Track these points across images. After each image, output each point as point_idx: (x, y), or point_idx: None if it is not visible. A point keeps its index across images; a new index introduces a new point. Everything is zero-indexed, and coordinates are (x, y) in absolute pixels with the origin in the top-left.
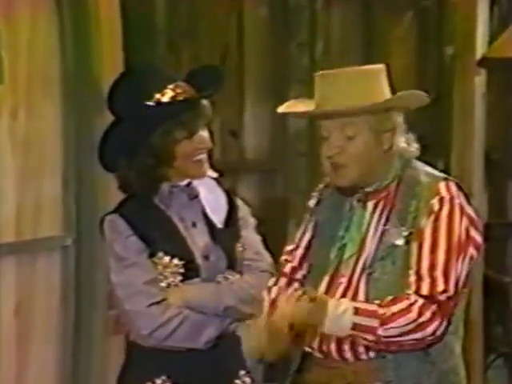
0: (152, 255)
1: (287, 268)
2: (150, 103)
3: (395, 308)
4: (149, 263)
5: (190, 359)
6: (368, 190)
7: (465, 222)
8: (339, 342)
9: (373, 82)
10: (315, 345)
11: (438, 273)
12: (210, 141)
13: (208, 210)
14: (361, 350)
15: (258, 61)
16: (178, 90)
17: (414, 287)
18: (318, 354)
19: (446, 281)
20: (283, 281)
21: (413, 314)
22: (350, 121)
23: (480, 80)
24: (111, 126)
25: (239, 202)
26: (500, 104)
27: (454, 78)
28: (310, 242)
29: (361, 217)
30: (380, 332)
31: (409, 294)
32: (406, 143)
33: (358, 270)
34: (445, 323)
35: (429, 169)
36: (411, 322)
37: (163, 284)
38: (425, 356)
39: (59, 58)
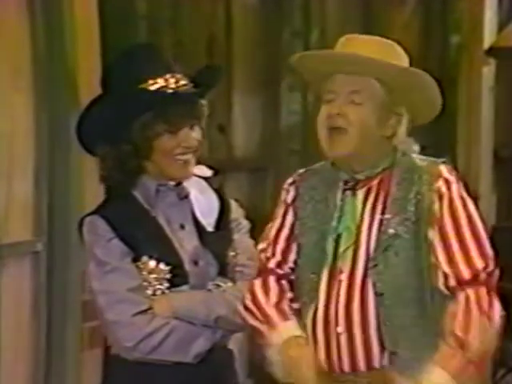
0: (136, 259)
1: (272, 263)
2: (136, 89)
3: (470, 335)
4: (133, 268)
5: (177, 374)
6: (358, 177)
7: (472, 200)
8: (353, 353)
9: (399, 57)
10: (322, 359)
11: (472, 252)
12: (197, 141)
13: (197, 212)
14: (375, 358)
15: (247, 50)
16: (171, 81)
17: (453, 277)
18: (323, 368)
19: (483, 256)
20: (272, 279)
21: (483, 319)
22: (362, 87)
23: (488, 71)
24: (95, 101)
25: (232, 204)
26: (510, 97)
27: (459, 69)
28: (289, 237)
29: (353, 206)
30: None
31: (454, 293)
32: (406, 144)
33: (360, 263)
34: (495, 296)
35: (424, 157)
36: (488, 327)
37: (148, 291)
38: (435, 352)
39: (30, 48)
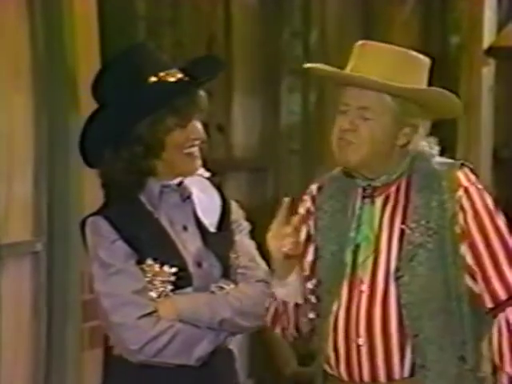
0: (140, 262)
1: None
2: (140, 86)
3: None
4: (137, 270)
5: (179, 376)
6: (376, 184)
7: (494, 205)
8: (373, 363)
9: (414, 68)
10: (342, 368)
11: (506, 270)
12: (203, 132)
13: (199, 213)
14: (395, 369)
15: (247, 50)
16: (171, 75)
17: (489, 299)
18: (343, 378)
19: None
20: None
21: None
22: (372, 103)
23: (488, 71)
24: (94, 114)
25: (233, 205)
26: (509, 97)
27: (459, 69)
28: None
29: (371, 214)
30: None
31: (493, 315)
32: (427, 146)
33: (381, 274)
34: None
35: (440, 158)
36: None
37: (153, 294)
38: (463, 364)
39: (29, 49)
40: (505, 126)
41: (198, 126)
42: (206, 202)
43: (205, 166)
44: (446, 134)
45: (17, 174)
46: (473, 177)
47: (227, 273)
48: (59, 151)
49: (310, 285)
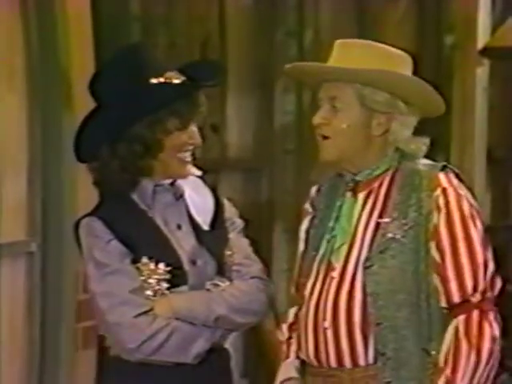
0: (135, 261)
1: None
2: (142, 86)
3: (458, 375)
4: (133, 269)
5: (176, 375)
6: (358, 178)
7: (473, 211)
8: (338, 348)
9: (391, 64)
10: (311, 352)
11: (465, 273)
12: (199, 138)
13: (193, 211)
14: (360, 355)
15: (241, 50)
16: (173, 77)
17: (444, 299)
18: (313, 363)
19: (475, 276)
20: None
21: (472, 355)
22: (340, 92)
23: (482, 71)
24: (92, 112)
25: (226, 203)
26: (503, 97)
27: (453, 69)
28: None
29: (351, 208)
30: None
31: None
32: (412, 141)
33: (352, 262)
34: (493, 320)
35: (427, 161)
36: (477, 362)
37: (149, 292)
38: (426, 356)
39: (23, 49)
40: (499, 126)
41: (196, 130)
42: (198, 200)
43: (196, 165)
44: (439, 134)
45: (11, 174)
46: (455, 181)
47: (222, 270)
48: (53, 151)
49: (290, 317)
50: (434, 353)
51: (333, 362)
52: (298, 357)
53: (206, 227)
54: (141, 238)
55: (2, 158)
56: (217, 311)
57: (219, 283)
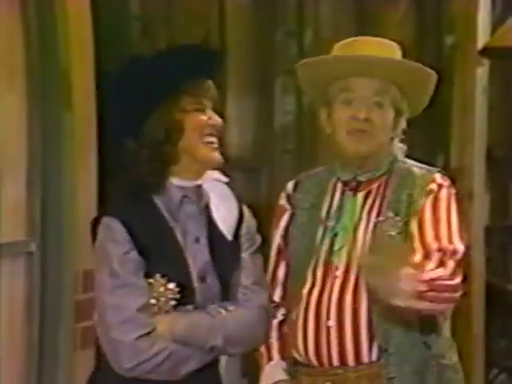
0: (148, 274)
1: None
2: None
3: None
4: (144, 284)
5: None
6: (361, 179)
7: (460, 208)
8: (342, 347)
9: (399, 53)
10: (311, 352)
11: (444, 239)
12: (221, 120)
13: (217, 220)
14: (364, 353)
15: (241, 50)
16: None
17: (421, 251)
18: (313, 363)
19: (451, 243)
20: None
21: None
22: (384, 90)
23: (482, 71)
24: (108, 115)
25: (247, 214)
26: (503, 97)
27: (453, 69)
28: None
29: (352, 206)
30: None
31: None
32: (400, 148)
33: (355, 262)
34: (460, 278)
35: (419, 164)
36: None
37: (155, 309)
38: (427, 350)
39: (23, 49)
40: (499, 126)
41: (215, 114)
42: (223, 209)
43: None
44: (439, 134)
45: (10, 174)
46: (449, 181)
47: (228, 289)
48: (53, 151)
49: (279, 315)
50: (434, 346)
51: (335, 361)
52: (283, 358)
53: (229, 237)
54: (158, 251)
55: (2, 158)
56: (213, 342)
57: (222, 311)
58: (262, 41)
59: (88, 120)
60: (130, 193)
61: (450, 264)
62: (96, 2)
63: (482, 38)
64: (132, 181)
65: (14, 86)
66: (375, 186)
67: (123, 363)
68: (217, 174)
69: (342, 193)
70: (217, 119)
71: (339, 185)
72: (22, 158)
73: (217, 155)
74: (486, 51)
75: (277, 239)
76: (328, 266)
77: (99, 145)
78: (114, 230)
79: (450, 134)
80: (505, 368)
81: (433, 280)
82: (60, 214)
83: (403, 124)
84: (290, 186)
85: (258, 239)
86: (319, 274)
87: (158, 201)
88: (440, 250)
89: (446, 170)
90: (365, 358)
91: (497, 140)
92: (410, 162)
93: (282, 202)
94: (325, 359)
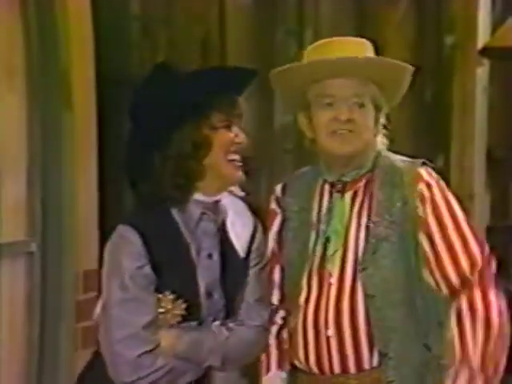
0: (158, 289)
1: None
2: (182, 86)
3: (471, 351)
4: (153, 300)
5: None
6: (346, 179)
7: (456, 200)
8: (343, 355)
9: (371, 50)
10: (312, 361)
11: (460, 254)
12: (245, 137)
13: (233, 238)
14: (365, 359)
15: (241, 50)
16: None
17: (444, 285)
18: (314, 371)
19: (470, 256)
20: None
21: (478, 328)
22: (363, 90)
23: (482, 71)
24: (133, 125)
25: (259, 230)
26: (503, 97)
27: (453, 69)
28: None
29: (341, 208)
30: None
31: (450, 301)
32: (381, 143)
33: (349, 267)
34: (497, 294)
35: (399, 157)
36: (488, 331)
37: (160, 323)
38: (427, 351)
39: (23, 49)
40: (499, 127)
41: (241, 131)
42: (238, 225)
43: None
44: (440, 134)
45: (10, 174)
46: (434, 174)
47: (232, 304)
48: (53, 151)
49: (279, 320)
50: (434, 347)
51: (337, 369)
52: (281, 367)
53: (243, 254)
54: (171, 266)
55: (2, 157)
56: (212, 361)
57: (224, 331)
58: (262, 41)
59: (88, 120)
60: (149, 205)
61: (477, 295)
62: (96, 2)
63: (482, 38)
64: (153, 193)
65: (14, 86)
66: (361, 184)
67: (123, 377)
68: (233, 188)
69: (330, 195)
70: (242, 137)
71: (326, 186)
72: (22, 158)
73: (240, 173)
74: (485, 51)
75: (270, 243)
76: (322, 272)
77: (99, 145)
78: (131, 241)
79: (450, 133)
80: (505, 368)
81: (484, 357)
82: (60, 214)
83: (383, 119)
84: (278, 189)
85: (266, 256)
86: (314, 281)
87: (176, 215)
88: (464, 283)
89: (445, 170)
90: (366, 365)
91: (497, 140)
92: (393, 155)
93: (273, 205)
94: (326, 368)
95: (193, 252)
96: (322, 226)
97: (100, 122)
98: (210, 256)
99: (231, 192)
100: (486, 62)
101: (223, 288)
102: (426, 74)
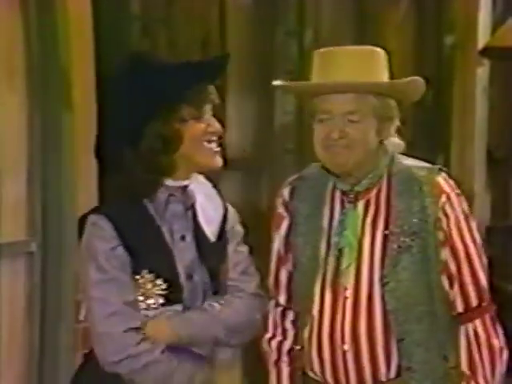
0: (135, 272)
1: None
2: (150, 79)
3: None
4: (130, 281)
5: None
6: (358, 189)
7: (469, 210)
8: (359, 368)
9: (378, 64)
10: (328, 374)
11: (480, 277)
12: (220, 127)
13: (202, 221)
14: (382, 372)
15: (241, 50)
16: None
17: (460, 302)
18: (330, 382)
19: (485, 282)
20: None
21: (493, 355)
22: (358, 106)
23: (482, 71)
24: (106, 118)
25: (230, 211)
26: (504, 97)
27: (454, 70)
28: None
29: (354, 219)
30: None
31: (461, 320)
32: (393, 147)
33: (365, 280)
34: (497, 319)
35: (413, 161)
36: (498, 359)
37: (143, 306)
38: (446, 363)
39: (23, 49)
40: (499, 127)
41: (213, 119)
42: (209, 209)
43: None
44: (440, 134)
45: (10, 173)
46: (452, 182)
47: (217, 286)
48: (53, 151)
49: (288, 325)
50: (451, 357)
51: (353, 382)
52: (291, 377)
53: (213, 238)
54: (145, 248)
55: (2, 157)
56: (215, 334)
57: (214, 304)
58: (262, 41)
59: (88, 120)
60: (119, 194)
61: (490, 330)
62: (96, 2)
63: (482, 38)
64: (124, 186)
65: (14, 86)
66: (374, 193)
67: (109, 356)
68: (202, 179)
69: (342, 203)
70: (215, 126)
71: (338, 193)
72: (22, 158)
73: (217, 159)
74: (486, 51)
75: (276, 246)
76: (336, 285)
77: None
78: (101, 226)
79: (450, 134)
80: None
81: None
82: (60, 214)
83: (393, 124)
84: (286, 192)
85: (241, 231)
86: (328, 293)
87: (146, 203)
88: (481, 307)
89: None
90: (382, 377)
91: (497, 140)
92: (406, 159)
93: (280, 209)
94: (343, 381)
95: (166, 235)
96: (335, 238)
97: (100, 122)
98: (183, 238)
99: (199, 180)
100: (486, 62)
101: (203, 270)
102: (427, 73)
